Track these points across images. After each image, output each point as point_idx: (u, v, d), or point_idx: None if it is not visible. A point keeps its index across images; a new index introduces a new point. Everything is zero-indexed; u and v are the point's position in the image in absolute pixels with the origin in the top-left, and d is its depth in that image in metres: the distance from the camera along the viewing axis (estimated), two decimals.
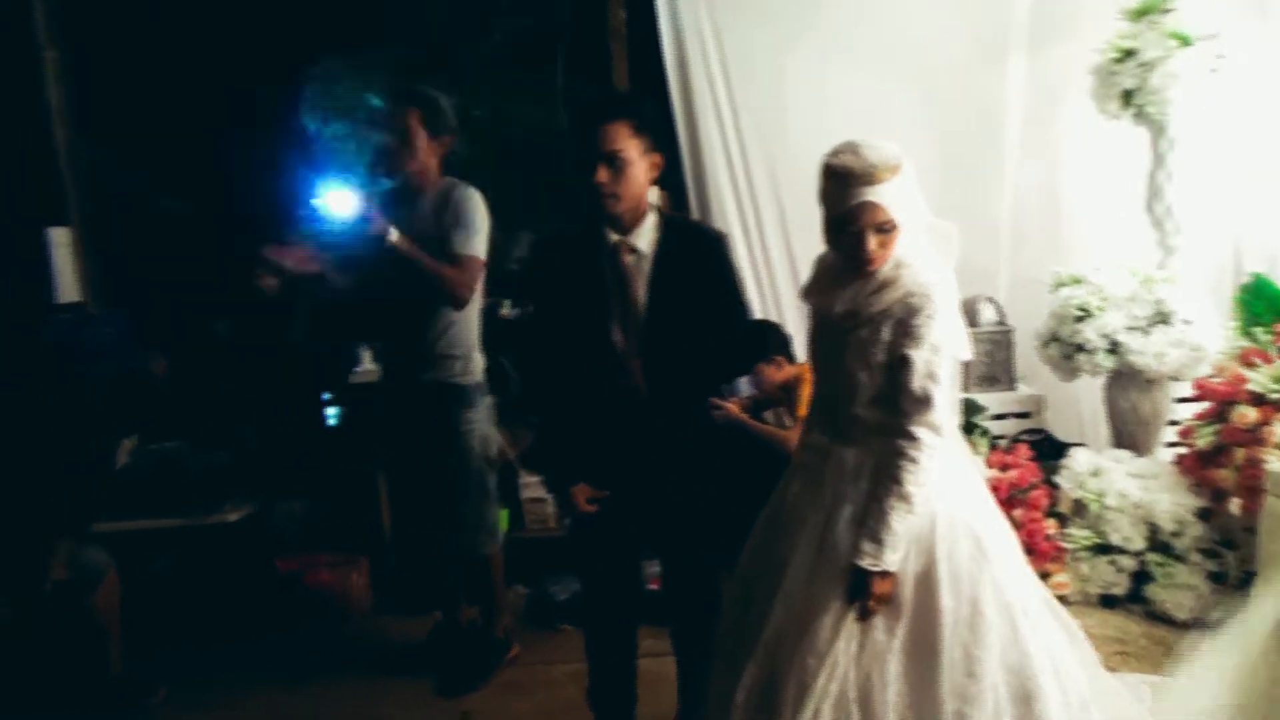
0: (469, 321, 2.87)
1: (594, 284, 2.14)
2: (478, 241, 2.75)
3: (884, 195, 1.80)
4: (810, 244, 2.20)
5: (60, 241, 3.90)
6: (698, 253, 2.19)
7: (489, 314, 3.54)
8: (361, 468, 3.56)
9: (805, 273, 2.12)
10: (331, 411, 4.43)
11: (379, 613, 3.49)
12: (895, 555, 1.79)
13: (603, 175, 2.05)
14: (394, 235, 2.66)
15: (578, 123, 2.13)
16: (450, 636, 3.08)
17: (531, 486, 3.54)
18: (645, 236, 2.14)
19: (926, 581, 1.79)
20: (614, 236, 2.12)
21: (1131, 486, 2.93)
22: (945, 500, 1.85)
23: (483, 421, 2.91)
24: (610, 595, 2.33)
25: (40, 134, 3.92)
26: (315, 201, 2.86)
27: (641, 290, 2.13)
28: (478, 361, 2.92)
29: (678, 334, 2.12)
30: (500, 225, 5.15)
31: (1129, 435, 3.20)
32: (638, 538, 2.30)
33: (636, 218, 2.12)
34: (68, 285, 3.91)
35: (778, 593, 1.91)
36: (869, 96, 3.40)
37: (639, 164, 2.08)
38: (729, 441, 2.34)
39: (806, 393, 2.80)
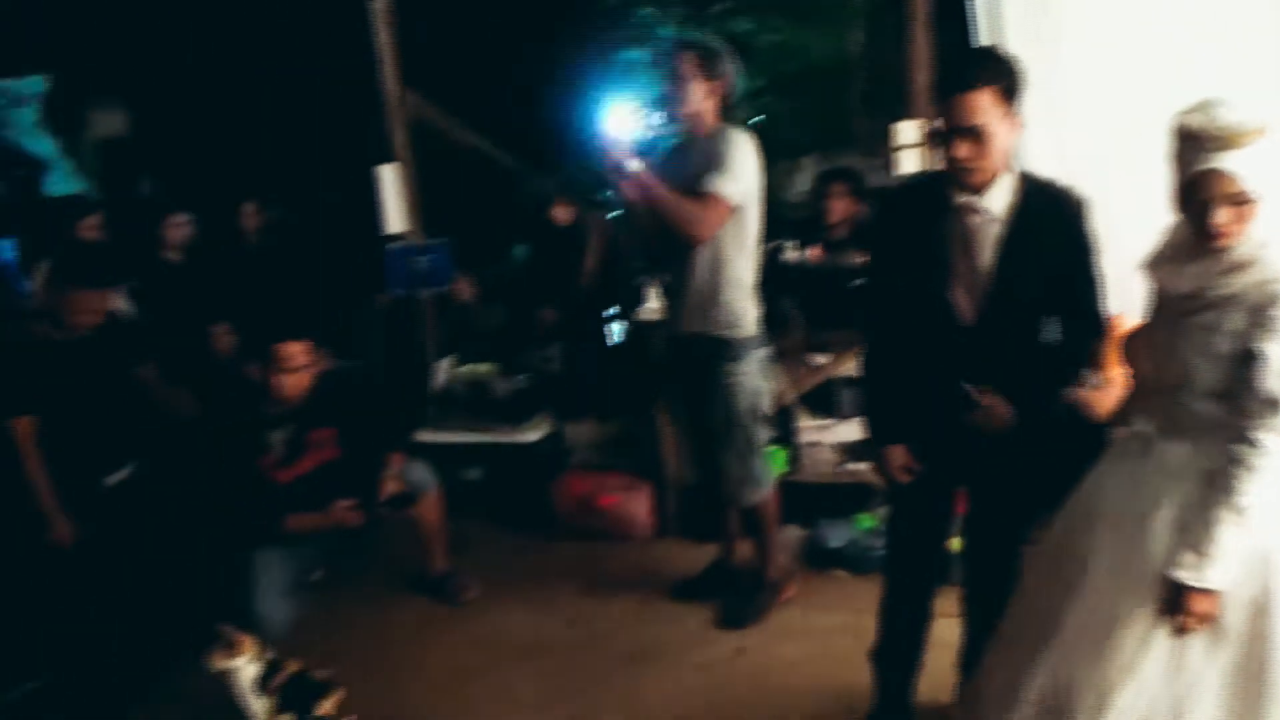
0: (737, 272, 2.83)
1: (935, 243, 2.02)
2: (727, 182, 2.69)
3: (1239, 163, 1.58)
4: (1138, 211, 1.99)
5: (388, 177, 4.31)
6: (1056, 218, 1.99)
7: (771, 257, 3.53)
8: (644, 400, 3.72)
9: (1125, 241, 1.92)
10: (615, 330, 4.66)
11: (661, 536, 3.67)
12: (1221, 573, 1.62)
13: (962, 150, 1.89)
14: (634, 164, 2.70)
15: (940, 89, 1.95)
16: (725, 573, 3.20)
17: (809, 430, 3.54)
18: (998, 198, 1.97)
19: (1262, 610, 1.61)
20: (961, 196, 1.97)
21: None
22: None
23: (751, 375, 2.88)
24: (914, 558, 2.30)
25: (370, 78, 4.31)
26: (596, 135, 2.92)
27: (987, 254, 1.99)
28: (748, 314, 2.87)
29: (1024, 304, 1.99)
30: (785, 154, 5.08)
31: None
32: (950, 505, 2.25)
33: (991, 178, 1.96)
34: (395, 217, 4.33)
35: (1079, 587, 1.81)
36: (1215, 50, 2.87)
37: (1001, 131, 1.89)
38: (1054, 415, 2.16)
39: (1113, 353, 2.57)
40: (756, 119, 4.82)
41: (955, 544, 2.38)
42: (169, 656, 2.94)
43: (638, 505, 3.66)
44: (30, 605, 3.09)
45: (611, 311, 4.62)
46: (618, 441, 3.86)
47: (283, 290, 4.59)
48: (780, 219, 4.29)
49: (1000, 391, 2.03)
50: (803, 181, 4.82)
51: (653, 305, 3.70)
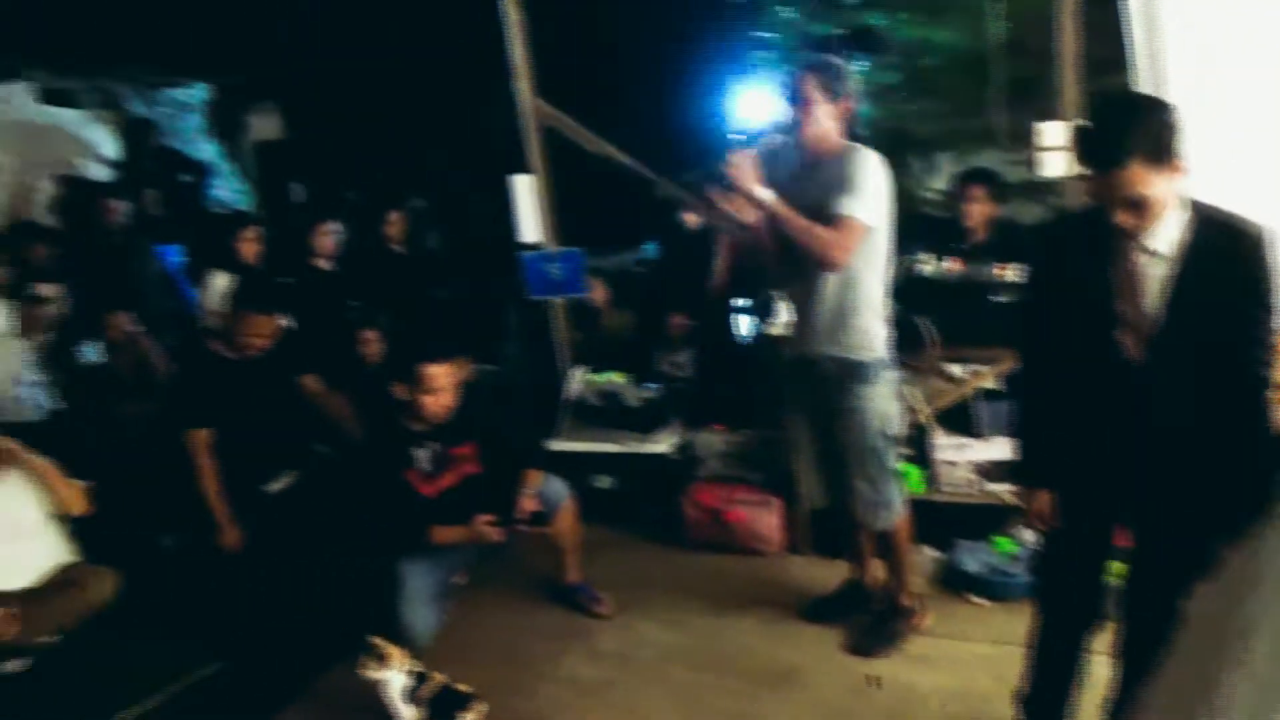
0: (867, 293, 2.78)
1: (1098, 282, 1.93)
2: (859, 204, 2.65)
3: None
4: None
5: (523, 187, 4.41)
6: (1230, 253, 1.85)
7: (906, 271, 3.44)
8: (774, 412, 3.69)
9: None
10: (745, 326, 4.65)
11: (791, 551, 3.65)
12: None
13: (1124, 219, 1.81)
14: (763, 193, 2.69)
15: (1086, 158, 1.85)
16: (857, 595, 3.17)
17: (945, 448, 3.44)
18: (1166, 236, 1.86)
19: None
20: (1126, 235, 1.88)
21: None
22: None
23: (882, 397, 2.83)
24: (1068, 592, 2.22)
25: (504, 90, 4.41)
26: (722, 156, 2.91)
27: (1153, 296, 1.89)
28: (879, 335, 2.82)
29: (1195, 344, 1.88)
30: (919, 152, 4.92)
31: None
32: (1109, 537, 2.16)
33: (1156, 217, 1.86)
34: (530, 226, 4.43)
35: (1238, 661, 1.70)
36: None
37: (1161, 189, 1.79)
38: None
39: None
40: (888, 116, 4.69)
41: (1115, 570, 2.27)
42: (324, 657, 3.14)
43: (768, 520, 3.65)
44: (204, 601, 3.38)
45: (742, 304, 4.61)
46: (748, 453, 3.84)
47: (427, 298, 4.80)
48: (915, 221, 4.17)
49: (1171, 433, 1.94)
50: (938, 180, 4.67)
51: (782, 319, 3.67)
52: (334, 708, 2.97)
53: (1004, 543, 3.28)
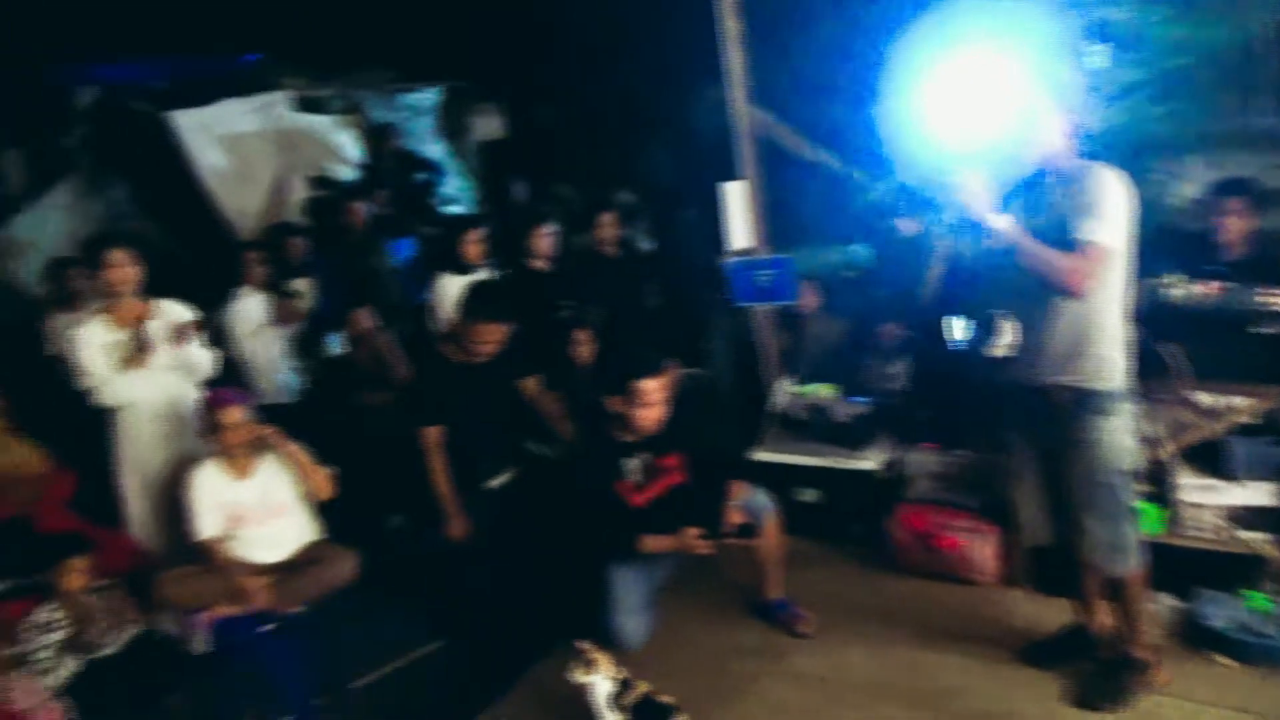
0: (1105, 319, 2.59)
1: None
2: (1101, 227, 2.47)
3: None
4: None
5: (734, 193, 4.41)
6: None
7: (1151, 295, 3.17)
8: (991, 436, 3.50)
9: None
10: (956, 329, 4.41)
11: (1008, 584, 3.45)
12: None
13: None
14: (999, 220, 2.56)
15: None
16: (1082, 641, 2.96)
17: (1190, 489, 3.14)
18: None
19: None
20: None
21: None
22: None
23: (1118, 431, 2.62)
24: None
25: (719, 97, 4.42)
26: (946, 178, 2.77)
27: None
28: (1118, 364, 2.62)
29: None
30: (1167, 157, 4.52)
31: None
32: None
33: None
34: (740, 232, 4.42)
35: None
36: None
37: None
38: None
39: None
40: (1132, 119, 4.32)
41: None
42: (535, 651, 3.29)
43: (982, 549, 3.47)
44: (432, 585, 3.65)
45: (959, 317, 4.39)
46: (963, 476, 3.67)
47: (637, 302, 4.90)
48: (1162, 236, 3.83)
49: None
50: (1187, 188, 4.26)
51: (1005, 339, 3.47)
52: (539, 704, 3.09)
53: (1257, 598, 2.97)
